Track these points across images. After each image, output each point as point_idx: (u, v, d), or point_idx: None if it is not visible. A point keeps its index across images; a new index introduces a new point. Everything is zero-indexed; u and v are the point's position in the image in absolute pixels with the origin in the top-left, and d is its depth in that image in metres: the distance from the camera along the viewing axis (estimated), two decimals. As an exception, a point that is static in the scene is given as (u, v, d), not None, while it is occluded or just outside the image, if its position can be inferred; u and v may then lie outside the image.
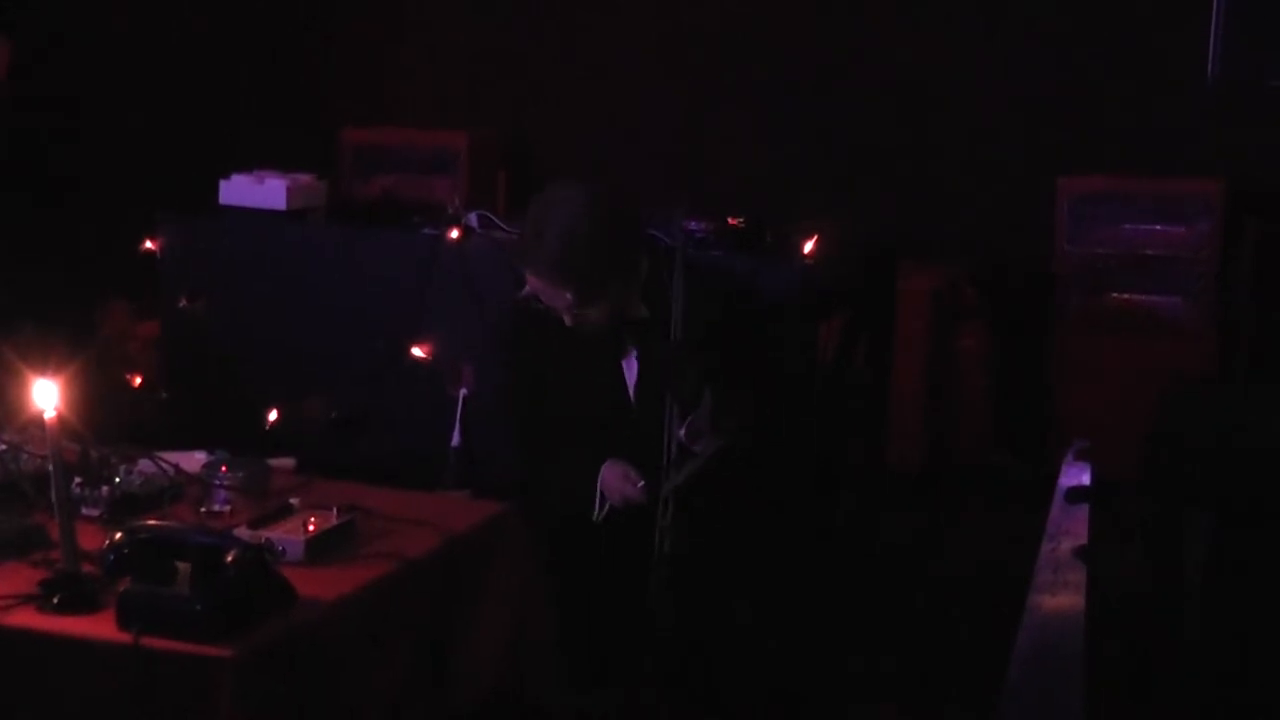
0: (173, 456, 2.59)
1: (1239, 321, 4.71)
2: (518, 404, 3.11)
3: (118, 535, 2.09)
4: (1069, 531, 2.22)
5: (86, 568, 2.12)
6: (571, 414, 3.02)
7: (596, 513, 2.92)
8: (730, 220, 3.46)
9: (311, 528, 2.34)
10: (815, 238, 3.44)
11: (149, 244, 3.84)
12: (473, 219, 3.60)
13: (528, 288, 2.94)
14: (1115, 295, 4.76)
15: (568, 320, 2.93)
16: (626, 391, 2.99)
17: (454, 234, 3.55)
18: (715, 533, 2.86)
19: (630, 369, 2.99)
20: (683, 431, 2.79)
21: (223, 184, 3.85)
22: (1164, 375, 3.97)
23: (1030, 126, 5.03)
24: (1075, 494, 2.27)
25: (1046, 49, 5.02)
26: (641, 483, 2.87)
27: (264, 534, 2.30)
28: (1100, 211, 4.75)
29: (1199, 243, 4.66)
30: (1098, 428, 4.09)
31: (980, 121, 5.09)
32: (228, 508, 2.49)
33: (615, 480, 2.92)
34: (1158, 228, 4.72)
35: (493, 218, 3.63)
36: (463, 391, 3.16)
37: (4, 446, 2.50)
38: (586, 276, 2.85)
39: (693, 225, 3.57)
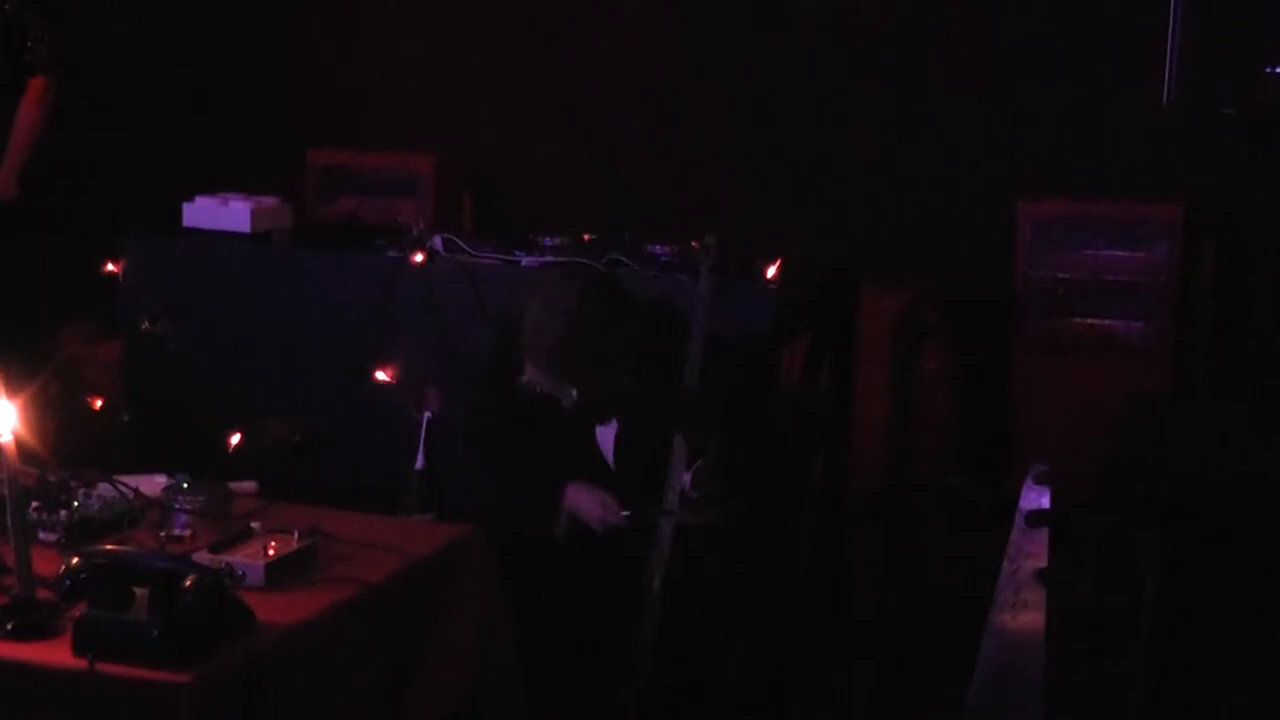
0: (133, 480, 2.58)
1: (1197, 343, 4.76)
2: (488, 419, 3.09)
3: (75, 560, 2.07)
4: (1029, 553, 2.24)
5: (43, 593, 2.10)
6: (542, 444, 3.00)
7: (560, 530, 2.91)
8: (694, 244, 3.47)
9: (272, 552, 2.33)
10: (778, 261, 3.46)
11: (111, 266, 3.82)
12: (437, 242, 3.60)
13: (527, 377, 2.90)
14: (1076, 319, 4.80)
15: (564, 402, 2.90)
16: (602, 455, 2.98)
17: (418, 257, 3.55)
18: (705, 567, 2.86)
19: (606, 434, 2.98)
20: (688, 478, 2.80)
21: (186, 206, 3.85)
22: (1123, 397, 4.00)
23: (991, 151, 5.07)
24: (1035, 517, 2.29)
25: (1006, 75, 5.06)
26: (627, 512, 2.87)
27: (224, 558, 2.29)
28: (1061, 235, 4.79)
29: (1158, 266, 4.70)
30: (1058, 449, 4.12)
31: (942, 146, 5.13)
32: (188, 532, 2.48)
33: (590, 503, 2.91)
34: (1118, 252, 4.77)
35: (457, 240, 3.64)
36: (426, 414, 3.16)
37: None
38: (567, 351, 2.83)
39: (657, 249, 3.59)
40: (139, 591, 2.02)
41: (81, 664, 1.97)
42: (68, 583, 2.05)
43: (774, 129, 5.27)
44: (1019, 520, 2.30)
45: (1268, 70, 4.08)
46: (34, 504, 2.42)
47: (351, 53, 5.71)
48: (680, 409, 2.81)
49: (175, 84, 5.40)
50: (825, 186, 5.22)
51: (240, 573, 2.26)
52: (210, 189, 3.91)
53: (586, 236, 3.74)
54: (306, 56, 5.72)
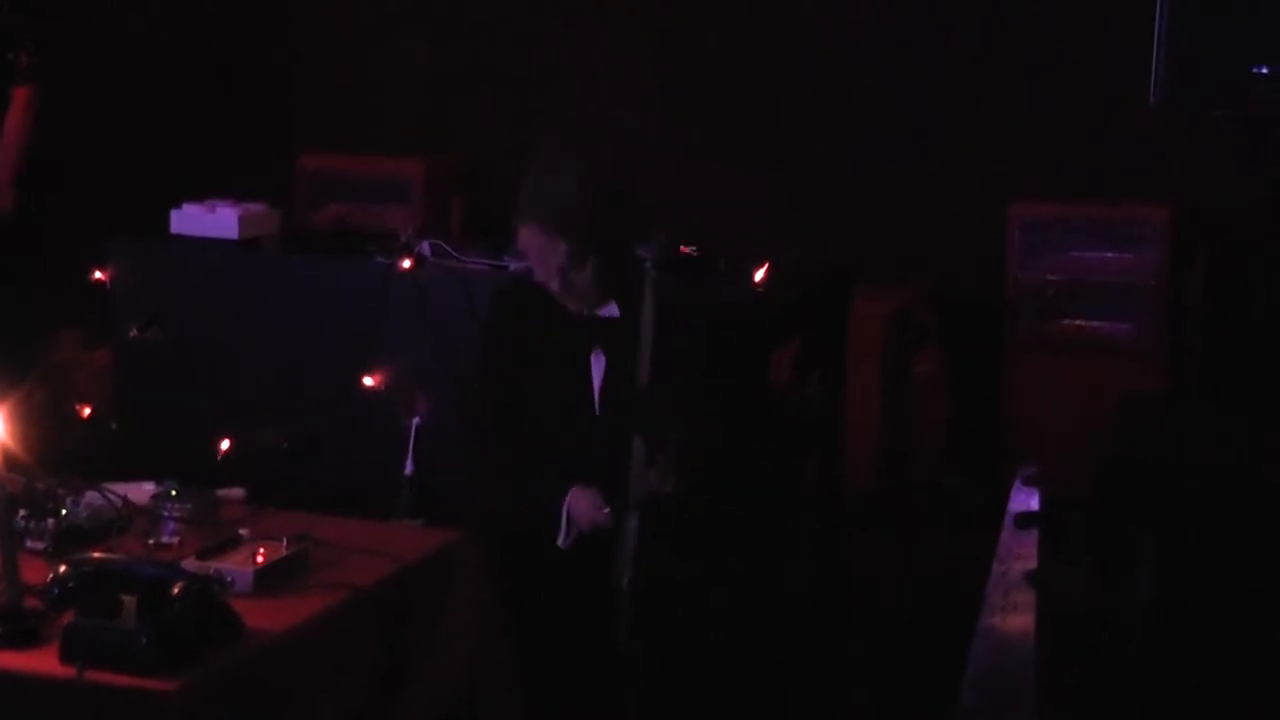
0: (121, 488, 2.57)
1: (1188, 344, 4.76)
2: (486, 413, 3.07)
3: (62, 568, 2.07)
4: (1019, 555, 2.24)
5: (30, 601, 2.10)
6: (537, 416, 2.98)
7: (562, 538, 2.91)
8: (682, 248, 3.47)
9: (261, 558, 2.33)
10: (768, 264, 3.46)
11: (99, 273, 3.82)
12: (425, 248, 3.60)
13: (520, 247, 2.92)
14: (1066, 321, 4.80)
15: (555, 286, 2.89)
16: (592, 392, 2.97)
17: (406, 263, 3.55)
18: (679, 564, 2.86)
19: (598, 367, 2.97)
20: (649, 471, 2.79)
21: (174, 213, 3.84)
22: (1115, 398, 4.00)
23: (981, 154, 5.08)
24: (1024, 519, 2.29)
25: (996, 78, 5.07)
26: (607, 509, 2.87)
27: (212, 565, 2.29)
28: (1050, 237, 4.79)
29: (1148, 268, 4.71)
30: (1050, 450, 4.13)
31: (934, 149, 5.13)
32: (176, 539, 2.47)
33: (585, 507, 2.89)
34: (1107, 254, 4.77)
35: (445, 246, 3.63)
36: (415, 420, 3.15)
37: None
38: (585, 225, 2.85)
39: (642, 251, 3.58)
40: (127, 599, 2.02)
41: (69, 672, 1.96)
42: (55, 591, 2.05)
43: (766, 131, 5.28)
44: (1008, 522, 2.31)
45: (1255, 70, 4.08)
46: (21, 512, 2.41)
47: (342, 57, 5.70)
48: (636, 390, 2.80)
49: (163, 90, 5.39)
50: (818, 189, 5.22)
51: (229, 579, 2.25)
52: (199, 195, 3.91)
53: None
54: (295, 63, 5.71)
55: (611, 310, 2.96)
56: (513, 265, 3.57)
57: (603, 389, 2.96)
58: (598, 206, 2.90)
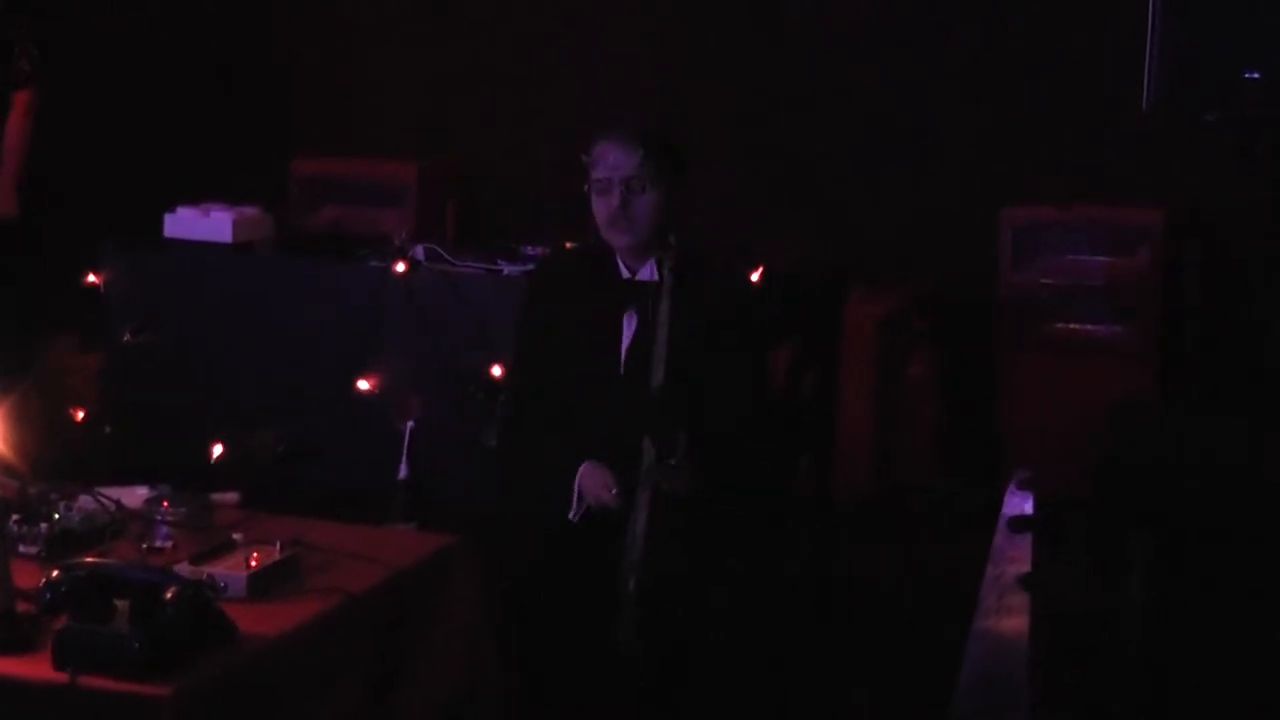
0: (114, 492, 2.57)
1: (1181, 348, 4.77)
2: (521, 379, 3.09)
3: (55, 573, 2.06)
4: (1013, 558, 2.24)
5: (23, 606, 2.09)
6: (564, 374, 3.00)
7: (573, 512, 2.90)
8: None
9: (254, 563, 2.32)
10: (761, 267, 3.46)
11: (93, 277, 3.81)
12: (419, 252, 3.60)
13: (592, 157, 2.99)
14: (1060, 324, 4.81)
15: (614, 205, 2.95)
16: (619, 353, 2.99)
17: (400, 267, 3.55)
18: (684, 569, 2.86)
19: (629, 328, 2.99)
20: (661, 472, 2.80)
21: (168, 217, 3.85)
22: (1108, 401, 4.01)
23: (974, 157, 5.08)
24: (1018, 523, 2.29)
25: (990, 82, 5.08)
26: (615, 490, 2.87)
27: (206, 570, 2.28)
28: (1043, 241, 4.80)
29: (1140, 271, 4.71)
30: (1044, 453, 4.13)
31: (929, 152, 5.14)
32: (169, 543, 2.47)
33: (594, 483, 2.90)
34: (1099, 257, 4.77)
35: (440, 250, 3.64)
36: (409, 424, 3.15)
37: (-60, 484, 2.47)
38: (658, 144, 2.97)
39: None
40: (120, 604, 2.02)
41: (62, 677, 1.96)
42: (48, 595, 2.04)
43: (760, 134, 5.28)
44: (1002, 525, 2.31)
45: (1247, 75, 4.09)
46: (14, 516, 2.40)
47: (341, 58, 5.70)
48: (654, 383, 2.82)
49: (158, 93, 5.38)
50: (813, 190, 5.22)
51: (222, 584, 2.25)
52: (193, 199, 3.91)
53: (569, 244, 3.74)
54: (289, 66, 5.71)
55: (650, 273, 2.98)
56: (507, 270, 3.58)
57: (629, 350, 2.97)
58: (670, 139, 3.02)
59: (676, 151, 3.03)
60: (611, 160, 2.98)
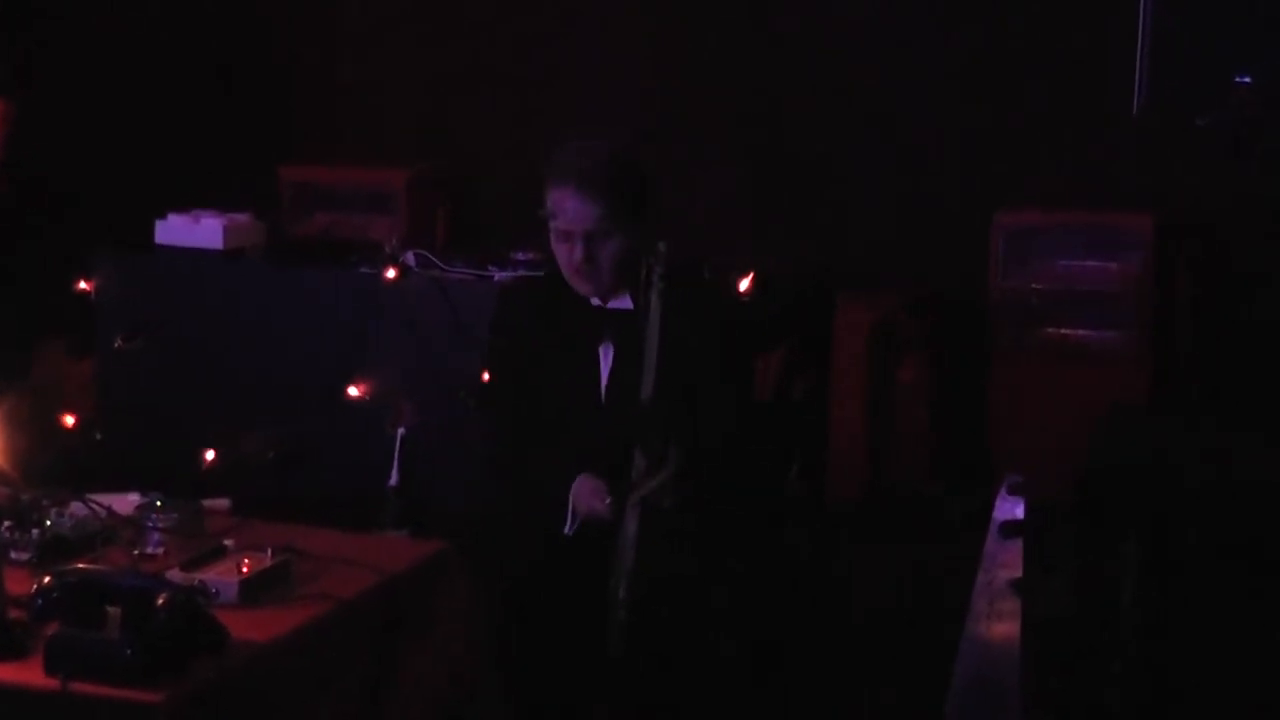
0: (105, 499, 2.57)
1: (1173, 352, 4.78)
2: (500, 404, 3.07)
3: (47, 579, 2.07)
4: (1004, 564, 2.25)
5: (14, 613, 2.09)
6: (544, 408, 2.98)
7: (569, 525, 2.90)
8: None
9: (245, 569, 2.32)
10: (752, 273, 3.47)
11: (84, 284, 3.81)
12: (410, 258, 3.61)
13: (550, 208, 2.90)
14: (1052, 329, 4.81)
15: (577, 257, 2.87)
16: (599, 384, 2.96)
17: (391, 273, 3.55)
18: (677, 572, 2.86)
19: (605, 358, 2.96)
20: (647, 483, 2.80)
21: (159, 223, 3.85)
22: (1100, 406, 4.02)
23: (965, 161, 5.09)
24: (1009, 528, 2.30)
25: (980, 85, 5.09)
26: (609, 499, 2.86)
27: (197, 576, 2.28)
28: (1034, 245, 4.80)
29: (1132, 276, 4.72)
30: (1035, 458, 4.13)
31: (919, 157, 5.15)
32: (161, 550, 2.47)
33: (586, 495, 2.89)
34: (1091, 262, 4.78)
35: (430, 257, 3.64)
36: (400, 430, 3.15)
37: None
38: (620, 193, 2.86)
39: (649, 261, 3.58)
40: (111, 610, 2.01)
41: (53, 684, 1.95)
42: (39, 602, 2.04)
43: (749, 141, 5.29)
44: (993, 531, 2.31)
45: (1238, 79, 4.11)
46: (6, 523, 2.41)
47: (339, 59, 5.69)
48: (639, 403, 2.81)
49: (149, 99, 5.38)
50: (801, 198, 5.23)
51: (213, 590, 2.25)
52: (183, 206, 3.91)
53: (529, 275, 3.73)
54: (281, 71, 5.70)
55: (624, 302, 2.94)
56: (498, 276, 3.58)
57: (609, 381, 2.95)
58: (633, 181, 2.91)
59: (640, 191, 2.92)
60: (571, 212, 2.87)
